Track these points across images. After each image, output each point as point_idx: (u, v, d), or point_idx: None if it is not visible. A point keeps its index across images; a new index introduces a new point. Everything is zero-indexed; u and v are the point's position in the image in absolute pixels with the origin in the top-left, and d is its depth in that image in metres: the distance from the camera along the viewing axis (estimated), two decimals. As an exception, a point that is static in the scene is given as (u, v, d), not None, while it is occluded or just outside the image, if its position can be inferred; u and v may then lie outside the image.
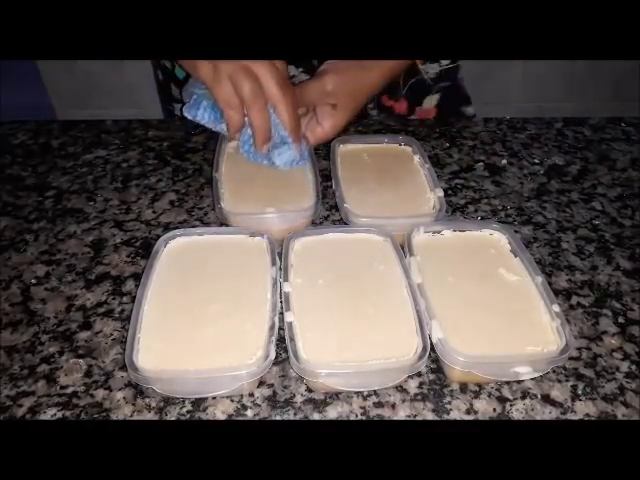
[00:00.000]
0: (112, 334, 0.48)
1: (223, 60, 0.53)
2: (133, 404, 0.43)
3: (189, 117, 0.59)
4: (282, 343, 0.46)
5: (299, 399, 0.44)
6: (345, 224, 0.56)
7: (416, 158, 0.64)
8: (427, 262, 0.50)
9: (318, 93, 0.61)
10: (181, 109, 0.61)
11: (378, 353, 0.43)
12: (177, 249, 0.52)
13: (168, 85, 0.81)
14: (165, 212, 0.62)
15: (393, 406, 0.43)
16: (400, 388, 0.45)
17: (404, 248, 0.52)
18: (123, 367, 0.45)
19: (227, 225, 0.55)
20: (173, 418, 0.42)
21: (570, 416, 0.43)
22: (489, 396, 0.44)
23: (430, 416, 0.43)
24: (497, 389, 0.45)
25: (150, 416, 0.42)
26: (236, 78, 0.53)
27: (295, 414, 0.43)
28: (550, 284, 0.50)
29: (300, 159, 0.60)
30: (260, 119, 0.55)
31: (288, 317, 0.45)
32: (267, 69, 0.54)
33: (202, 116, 0.59)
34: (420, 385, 0.45)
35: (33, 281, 0.53)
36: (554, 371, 0.46)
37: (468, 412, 0.43)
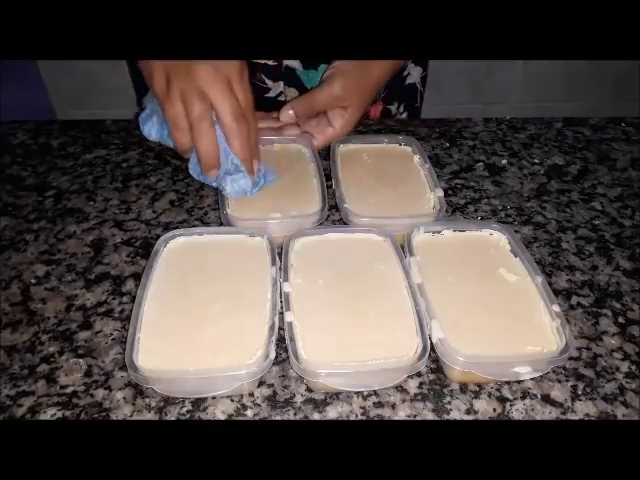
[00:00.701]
0: (112, 334, 0.48)
1: (174, 73, 0.51)
2: (133, 404, 0.43)
3: (145, 134, 0.59)
4: (282, 343, 0.46)
5: (299, 399, 0.44)
6: (345, 224, 0.56)
7: (416, 158, 0.64)
8: (427, 262, 0.50)
9: (329, 99, 0.62)
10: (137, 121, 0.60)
11: (378, 353, 0.43)
12: (177, 249, 0.52)
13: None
14: (165, 212, 0.62)
15: (393, 406, 0.43)
16: (400, 388, 0.45)
17: (404, 248, 0.52)
18: (123, 367, 0.45)
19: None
20: (173, 418, 0.42)
21: (570, 416, 0.43)
22: (489, 396, 0.44)
23: (430, 416, 0.43)
24: (497, 389, 0.45)
25: (150, 416, 0.42)
26: (188, 98, 0.51)
27: (295, 414, 0.43)
28: (550, 284, 0.50)
29: (252, 189, 0.57)
30: (205, 146, 0.53)
31: (288, 317, 0.45)
32: (222, 95, 0.52)
33: (149, 132, 0.59)
34: (420, 385, 0.45)
35: (33, 281, 0.53)
36: (554, 371, 0.46)
37: (468, 412, 0.43)
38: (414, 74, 0.82)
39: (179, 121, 0.53)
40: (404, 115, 0.85)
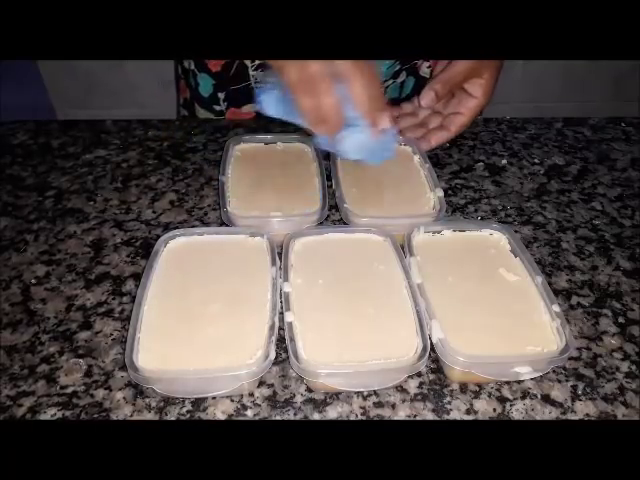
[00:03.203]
0: (112, 334, 0.48)
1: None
2: (133, 404, 0.43)
3: (260, 109, 0.54)
4: (282, 343, 0.46)
5: (299, 399, 0.44)
6: (345, 224, 0.56)
7: (416, 158, 0.64)
8: (427, 262, 0.50)
9: (466, 69, 0.62)
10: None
11: (378, 353, 0.43)
12: (177, 249, 0.52)
13: (192, 104, 0.81)
14: (165, 212, 0.62)
15: (393, 406, 0.43)
16: (400, 388, 0.45)
17: (404, 248, 0.52)
18: (123, 367, 0.45)
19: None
20: (173, 418, 0.42)
21: (570, 416, 0.43)
22: (489, 396, 0.44)
23: (430, 416, 0.43)
24: (497, 389, 0.45)
25: (150, 416, 0.42)
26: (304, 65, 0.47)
27: (295, 414, 0.43)
28: (550, 284, 0.50)
29: (372, 154, 0.53)
30: (329, 104, 0.48)
31: (288, 317, 0.45)
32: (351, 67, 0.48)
33: (272, 106, 0.53)
34: (420, 385, 0.45)
35: (33, 281, 0.53)
36: (554, 371, 0.46)
37: (468, 412, 0.43)
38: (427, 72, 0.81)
39: (303, 85, 0.48)
40: None
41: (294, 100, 0.49)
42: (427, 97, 0.63)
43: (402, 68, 0.76)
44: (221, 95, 0.77)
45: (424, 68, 0.79)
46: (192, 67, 0.77)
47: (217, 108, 0.79)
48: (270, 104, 0.54)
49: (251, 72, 0.75)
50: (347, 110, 0.49)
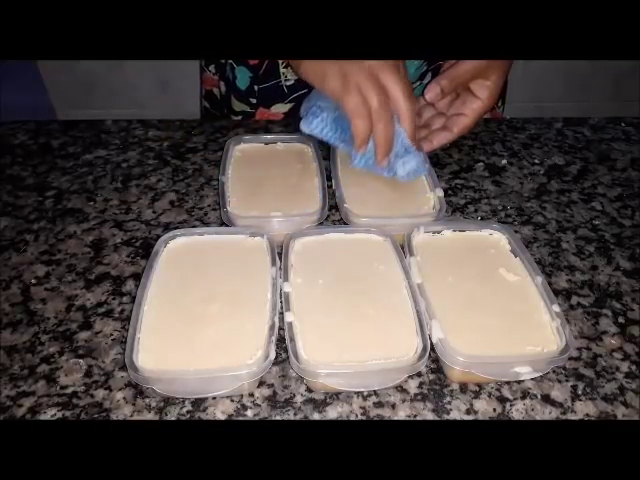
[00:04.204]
0: (112, 334, 0.48)
1: (350, 69, 0.53)
2: (133, 404, 0.43)
3: (306, 130, 0.57)
4: (282, 343, 0.46)
5: (299, 399, 0.44)
6: (345, 224, 0.56)
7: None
8: (427, 262, 0.50)
9: (473, 68, 0.61)
10: (298, 124, 0.58)
11: (378, 353, 0.43)
12: (177, 249, 0.52)
13: (229, 97, 0.80)
14: (165, 212, 0.62)
15: (393, 406, 0.43)
16: (400, 388, 0.45)
17: (404, 248, 0.52)
18: (123, 367, 0.45)
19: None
20: (173, 418, 0.42)
21: (570, 416, 0.43)
22: (489, 396, 0.44)
23: (430, 416, 0.43)
24: (497, 389, 0.45)
25: (150, 416, 0.42)
26: (365, 88, 0.53)
27: (295, 414, 0.43)
28: (550, 284, 0.50)
29: (422, 168, 0.59)
30: (387, 132, 0.55)
31: (288, 317, 0.45)
32: (395, 78, 0.54)
33: (319, 128, 0.57)
34: (420, 385, 0.45)
35: (33, 281, 0.53)
36: (554, 371, 0.46)
37: (468, 412, 0.43)
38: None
39: (360, 109, 0.53)
40: None
41: (349, 124, 0.54)
42: (432, 91, 0.62)
43: (428, 69, 0.76)
44: (257, 88, 0.77)
45: None
46: (230, 60, 0.77)
47: (253, 101, 0.79)
48: (317, 125, 0.57)
49: (281, 69, 0.74)
50: (398, 137, 0.56)
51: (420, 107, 0.66)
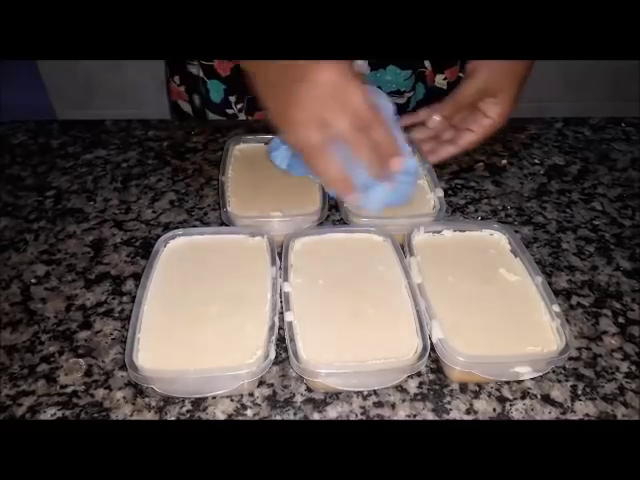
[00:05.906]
0: (112, 334, 0.48)
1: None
2: (133, 404, 0.43)
3: (274, 162, 0.57)
4: (282, 343, 0.46)
5: (299, 399, 0.44)
6: (345, 224, 0.56)
7: (416, 157, 0.64)
8: (427, 262, 0.50)
9: (475, 92, 0.61)
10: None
11: (378, 353, 0.43)
12: (177, 249, 0.52)
13: (203, 110, 0.80)
14: (165, 212, 0.62)
15: (393, 406, 0.43)
16: (400, 388, 0.45)
17: (404, 248, 0.52)
18: (123, 367, 0.45)
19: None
20: (173, 418, 0.42)
21: (570, 416, 0.43)
22: (489, 396, 0.44)
23: (430, 416, 0.43)
24: (497, 389, 0.45)
25: (150, 416, 0.42)
26: (305, 130, 0.47)
27: (295, 414, 0.43)
28: (550, 284, 0.50)
29: (401, 198, 0.54)
30: (333, 169, 0.49)
31: (288, 317, 0.45)
32: (338, 115, 0.47)
33: (281, 162, 0.56)
34: (420, 385, 0.45)
35: (33, 281, 0.53)
36: (554, 371, 0.46)
37: (468, 412, 0.43)
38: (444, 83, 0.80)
39: (309, 151, 0.48)
40: None
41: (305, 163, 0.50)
42: (433, 122, 0.63)
43: (416, 79, 0.76)
44: (232, 99, 0.77)
45: (440, 79, 0.78)
46: (201, 75, 0.76)
47: (230, 112, 0.78)
48: (283, 159, 0.57)
49: None
50: (357, 171, 0.50)
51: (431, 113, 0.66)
